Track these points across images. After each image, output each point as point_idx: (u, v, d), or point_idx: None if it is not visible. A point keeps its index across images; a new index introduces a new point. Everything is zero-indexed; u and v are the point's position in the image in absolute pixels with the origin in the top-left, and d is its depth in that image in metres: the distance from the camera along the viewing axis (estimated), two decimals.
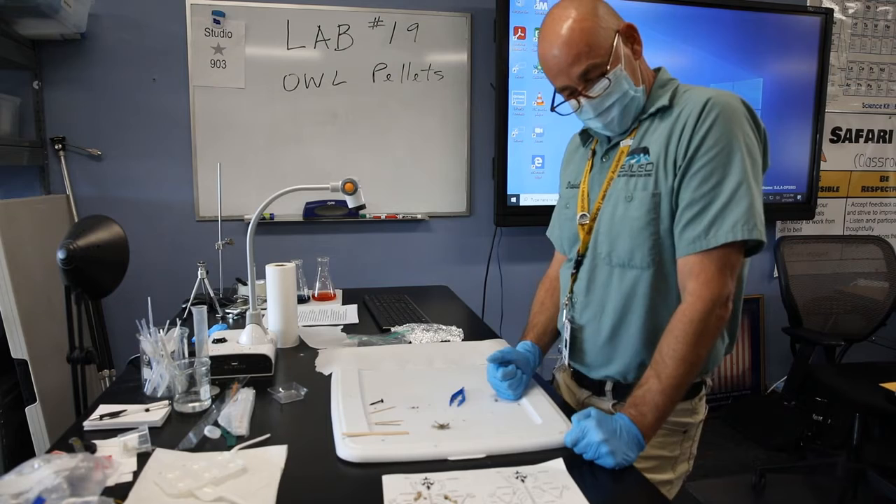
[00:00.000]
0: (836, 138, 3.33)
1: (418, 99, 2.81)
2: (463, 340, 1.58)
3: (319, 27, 2.67)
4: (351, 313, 1.87)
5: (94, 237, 1.72)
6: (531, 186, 2.83)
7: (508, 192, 2.80)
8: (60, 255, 1.60)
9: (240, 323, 1.72)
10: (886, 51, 3.32)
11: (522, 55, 2.74)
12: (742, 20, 2.97)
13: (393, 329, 1.66)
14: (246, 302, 1.92)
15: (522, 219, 2.84)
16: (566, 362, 1.25)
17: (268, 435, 1.02)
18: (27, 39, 2.36)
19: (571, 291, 1.22)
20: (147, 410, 1.10)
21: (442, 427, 1.03)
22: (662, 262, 1.09)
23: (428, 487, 0.85)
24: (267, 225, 2.71)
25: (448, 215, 2.93)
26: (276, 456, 0.95)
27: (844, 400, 2.34)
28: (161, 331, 1.21)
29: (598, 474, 0.91)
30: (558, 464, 0.92)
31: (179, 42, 2.56)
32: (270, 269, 1.52)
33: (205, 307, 1.26)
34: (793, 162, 3.13)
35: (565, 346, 1.23)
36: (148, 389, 1.20)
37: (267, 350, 1.33)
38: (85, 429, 1.04)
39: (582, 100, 1.10)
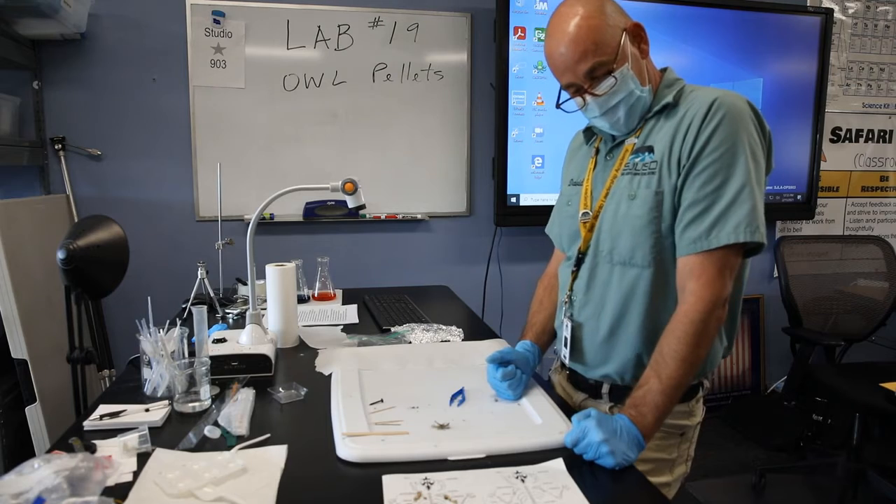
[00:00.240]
0: (836, 138, 3.33)
1: (418, 99, 2.81)
2: (463, 340, 1.58)
3: (319, 27, 2.67)
4: (351, 313, 1.88)
5: (94, 237, 1.72)
6: (531, 186, 2.83)
7: (508, 192, 2.80)
8: (60, 255, 1.60)
9: (240, 323, 1.72)
10: (886, 51, 3.33)
11: (522, 55, 2.74)
12: (742, 20, 2.97)
13: (393, 329, 1.66)
14: (246, 302, 1.92)
15: (522, 219, 2.84)
16: (566, 361, 1.24)
17: (268, 435, 1.02)
18: (27, 39, 2.36)
19: (571, 289, 1.21)
20: (147, 410, 1.10)
21: (442, 427, 1.03)
22: (663, 261, 1.09)
23: (428, 487, 0.85)
24: (267, 225, 2.71)
25: (448, 215, 2.93)
26: (276, 456, 0.95)
27: (844, 400, 2.34)
28: (161, 331, 1.21)
29: (598, 474, 0.91)
30: (558, 464, 0.92)
31: (179, 42, 2.56)
32: (270, 269, 1.52)
33: (205, 307, 1.26)
34: (793, 162, 3.13)
35: (564, 345, 1.23)
36: (148, 389, 1.20)
37: (267, 350, 1.33)
38: (85, 429, 1.04)
39: (587, 97, 1.10)
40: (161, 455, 0.94)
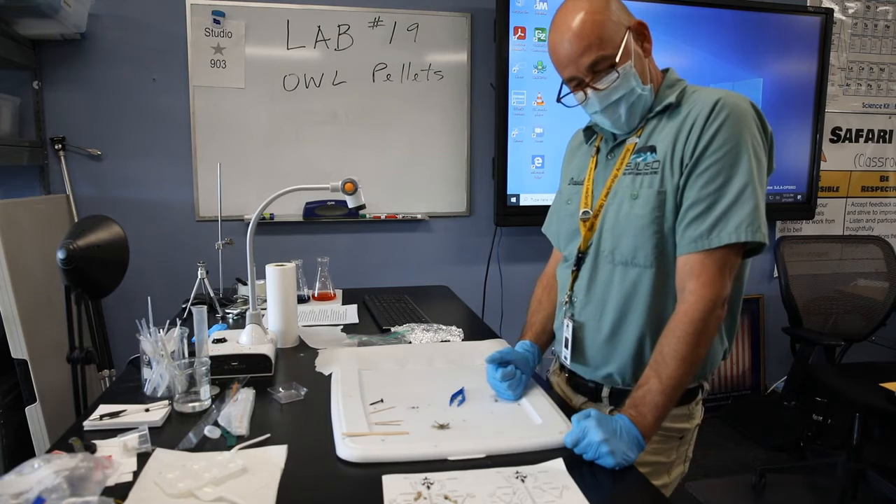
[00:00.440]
0: (836, 138, 3.33)
1: (418, 99, 2.81)
2: (463, 340, 1.58)
3: (319, 27, 2.67)
4: (351, 313, 1.87)
5: (94, 237, 1.72)
6: (531, 186, 2.83)
7: (508, 192, 2.80)
8: (60, 255, 1.60)
9: (240, 323, 1.72)
10: (886, 51, 3.33)
11: (522, 55, 2.74)
12: (742, 20, 2.97)
13: (393, 329, 1.66)
14: (246, 302, 1.92)
15: (522, 219, 2.84)
16: (566, 362, 1.24)
17: (268, 435, 1.02)
18: (27, 39, 2.36)
19: (571, 289, 1.21)
20: (147, 410, 1.10)
21: (442, 427, 1.03)
22: (665, 261, 1.09)
23: (428, 487, 0.85)
24: (267, 225, 2.71)
25: (448, 215, 2.93)
26: (276, 456, 0.95)
27: (844, 400, 2.34)
28: (161, 331, 1.21)
29: (598, 474, 0.91)
30: (558, 464, 0.92)
31: (179, 42, 2.56)
32: (270, 269, 1.52)
33: (205, 307, 1.26)
34: (793, 162, 3.13)
35: (565, 346, 1.22)
36: (148, 389, 1.20)
37: (267, 350, 1.33)
38: (85, 429, 1.04)
39: (589, 91, 1.10)
40: (161, 455, 0.94)
